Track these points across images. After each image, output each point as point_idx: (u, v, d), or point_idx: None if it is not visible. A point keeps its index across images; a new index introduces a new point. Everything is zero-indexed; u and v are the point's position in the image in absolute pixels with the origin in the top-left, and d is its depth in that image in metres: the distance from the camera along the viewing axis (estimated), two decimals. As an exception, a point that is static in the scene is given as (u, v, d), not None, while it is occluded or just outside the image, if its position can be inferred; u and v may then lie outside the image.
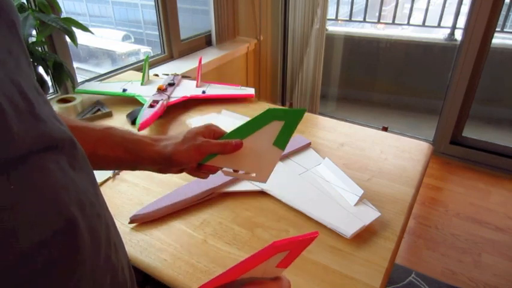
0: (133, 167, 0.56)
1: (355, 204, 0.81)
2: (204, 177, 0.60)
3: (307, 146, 1.05)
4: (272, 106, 1.30)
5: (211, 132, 0.58)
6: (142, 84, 1.41)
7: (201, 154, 0.55)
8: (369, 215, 0.78)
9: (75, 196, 0.30)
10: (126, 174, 0.94)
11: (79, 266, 0.29)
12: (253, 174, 0.59)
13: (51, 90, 1.49)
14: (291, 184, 0.88)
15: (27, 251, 0.25)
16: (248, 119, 1.24)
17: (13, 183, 0.24)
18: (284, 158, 0.99)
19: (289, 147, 1.01)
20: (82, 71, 2.26)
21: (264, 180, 0.59)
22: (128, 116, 1.21)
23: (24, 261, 0.25)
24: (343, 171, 0.90)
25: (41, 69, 1.22)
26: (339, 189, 0.86)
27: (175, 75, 1.48)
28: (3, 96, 0.24)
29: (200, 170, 0.59)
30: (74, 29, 1.26)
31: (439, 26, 2.58)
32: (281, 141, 0.57)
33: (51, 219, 0.27)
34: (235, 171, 0.59)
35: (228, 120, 1.18)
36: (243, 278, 0.41)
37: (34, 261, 0.25)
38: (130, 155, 0.54)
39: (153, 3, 1.95)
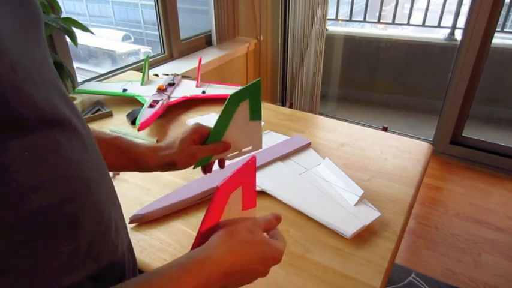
0: (132, 170, 0.65)
1: (355, 204, 0.81)
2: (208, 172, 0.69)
3: (307, 146, 1.05)
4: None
5: (199, 134, 0.64)
6: (142, 84, 1.41)
7: (196, 159, 0.63)
8: (369, 215, 0.78)
9: (82, 172, 0.33)
10: (126, 175, 0.94)
11: (79, 234, 0.32)
12: (250, 148, 0.69)
13: (51, 90, 1.49)
14: (291, 184, 0.88)
15: (35, 212, 0.27)
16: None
17: (28, 150, 0.26)
18: (284, 158, 0.99)
19: (289, 147, 1.01)
20: (82, 71, 2.26)
21: (260, 147, 0.70)
22: (128, 116, 1.21)
23: (31, 221, 0.27)
24: (343, 171, 0.90)
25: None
26: (339, 189, 0.86)
27: (175, 75, 1.48)
28: (19, 65, 0.27)
29: (206, 169, 0.68)
30: (74, 29, 1.26)
31: (439, 26, 2.58)
32: (255, 114, 0.65)
33: (59, 189, 0.30)
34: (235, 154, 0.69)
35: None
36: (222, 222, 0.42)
37: (40, 222, 0.28)
38: (134, 164, 0.62)
39: (153, 3, 1.95)
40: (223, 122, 0.64)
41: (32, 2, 0.34)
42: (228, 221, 0.42)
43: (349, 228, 0.74)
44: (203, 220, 0.39)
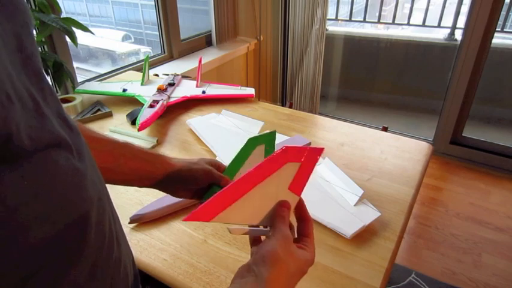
0: (147, 179, 0.61)
1: (355, 204, 0.81)
2: None
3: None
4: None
5: (216, 165, 0.66)
6: (142, 84, 1.41)
7: (208, 178, 0.62)
8: (369, 215, 0.78)
9: (85, 192, 0.31)
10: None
11: (83, 259, 0.31)
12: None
13: (51, 90, 1.49)
14: (291, 184, 0.88)
15: (38, 244, 0.26)
16: (248, 118, 1.23)
17: (27, 179, 0.25)
18: (284, 158, 0.99)
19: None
20: (82, 71, 2.26)
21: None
22: (128, 116, 1.21)
23: (34, 253, 0.26)
24: (343, 171, 0.90)
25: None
26: (339, 189, 0.86)
27: (175, 75, 1.48)
28: (14, 93, 0.25)
29: None
30: (74, 29, 1.26)
31: (439, 26, 2.58)
32: None
33: (63, 214, 0.28)
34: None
35: (228, 120, 1.18)
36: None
37: (43, 253, 0.26)
38: (148, 165, 0.60)
39: (153, 3, 1.95)
40: (238, 161, 0.65)
41: (23, 9, 0.31)
42: (270, 247, 0.42)
43: (349, 228, 0.74)
44: (249, 171, 0.39)
